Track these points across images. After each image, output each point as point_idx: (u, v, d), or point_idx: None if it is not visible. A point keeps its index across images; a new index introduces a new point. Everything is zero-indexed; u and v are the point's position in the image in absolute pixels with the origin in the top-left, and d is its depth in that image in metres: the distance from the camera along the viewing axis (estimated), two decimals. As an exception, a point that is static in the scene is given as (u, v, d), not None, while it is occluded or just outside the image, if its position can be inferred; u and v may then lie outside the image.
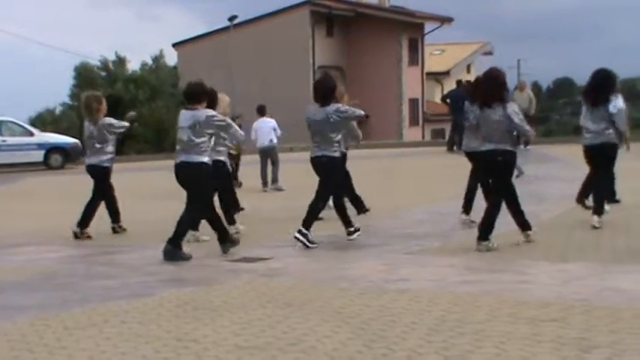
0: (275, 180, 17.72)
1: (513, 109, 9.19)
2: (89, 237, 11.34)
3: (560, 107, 78.86)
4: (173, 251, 9.29)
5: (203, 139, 9.39)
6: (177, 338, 5.84)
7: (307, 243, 9.73)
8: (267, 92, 38.95)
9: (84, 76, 45.58)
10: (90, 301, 7.24)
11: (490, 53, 59.29)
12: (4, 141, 28.41)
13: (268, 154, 17.87)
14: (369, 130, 38.43)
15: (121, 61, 46.84)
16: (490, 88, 9.26)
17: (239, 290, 7.41)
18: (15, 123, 29.68)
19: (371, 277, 7.79)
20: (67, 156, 29.16)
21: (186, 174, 9.47)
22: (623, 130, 10.50)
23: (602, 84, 10.50)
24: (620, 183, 12.99)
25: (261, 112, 18.36)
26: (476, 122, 9.70)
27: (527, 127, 9.34)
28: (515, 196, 9.41)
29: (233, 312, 6.55)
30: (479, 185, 11.09)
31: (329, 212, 10.77)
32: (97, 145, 11.49)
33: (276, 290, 7.32)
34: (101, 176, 11.63)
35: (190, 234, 10.19)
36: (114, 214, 11.76)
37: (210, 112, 9.54)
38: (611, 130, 10.47)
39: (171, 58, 51.03)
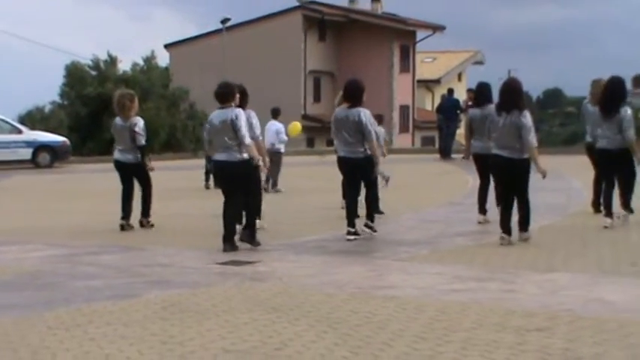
0: (274, 184, 17.76)
1: (527, 117, 9.76)
2: (152, 225, 12.05)
3: (549, 118, 79.14)
4: (250, 235, 9.90)
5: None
6: (163, 341, 5.82)
7: (372, 233, 10.68)
8: (258, 95, 38.70)
9: (74, 75, 45.41)
10: (74, 301, 7.21)
11: (481, 63, 59.39)
12: (-9, 138, 28.27)
13: (270, 157, 17.90)
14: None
15: (112, 61, 46.68)
16: (509, 95, 9.89)
17: (226, 293, 7.39)
18: (3, 120, 29.51)
19: (359, 283, 7.78)
20: (55, 155, 29.02)
21: (228, 172, 9.93)
22: (630, 139, 10.77)
23: (616, 92, 10.90)
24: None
25: (273, 114, 18.62)
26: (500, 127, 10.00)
27: (532, 138, 9.75)
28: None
29: (220, 315, 6.53)
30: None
31: (317, 214, 10.77)
32: (126, 143, 11.86)
33: (263, 294, 7.31)
34: (138, 170, 12.01)
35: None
36: (131, 209, 12.05)
37: (236, 113, 9.93)
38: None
39: (163, 59, 51.01)
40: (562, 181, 17.26)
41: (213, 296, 7.27)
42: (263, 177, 12.00)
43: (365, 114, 10.48)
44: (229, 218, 9.96)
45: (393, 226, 11.94)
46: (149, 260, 9.41)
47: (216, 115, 10.09)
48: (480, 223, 11.65)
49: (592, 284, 7.49)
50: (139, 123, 11.87)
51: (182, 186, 19.64)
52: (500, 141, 9.97)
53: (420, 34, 50.00)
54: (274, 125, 18.38)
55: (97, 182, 21.63)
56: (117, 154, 12.12)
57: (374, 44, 47.32)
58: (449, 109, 26.38)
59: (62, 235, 11.67)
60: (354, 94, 10.63)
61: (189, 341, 5.78)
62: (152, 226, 12.07)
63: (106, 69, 45.70)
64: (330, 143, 40.44)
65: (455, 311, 6.48)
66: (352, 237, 10.46)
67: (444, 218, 12.72)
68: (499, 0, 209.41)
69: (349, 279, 7.99)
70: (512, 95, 9.92)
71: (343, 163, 10.76)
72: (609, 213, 10.98)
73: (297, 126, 18.38)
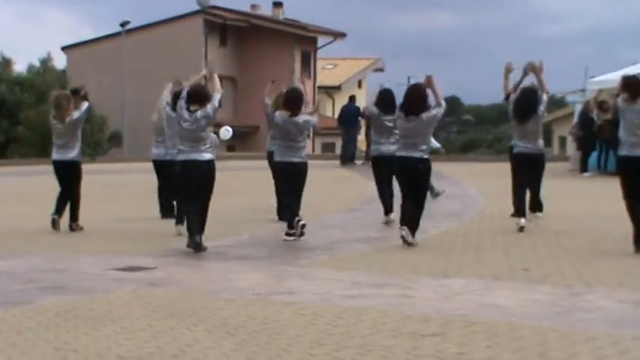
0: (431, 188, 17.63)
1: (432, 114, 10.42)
2: (82, 228, 12.02)
3: (447, 125, 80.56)
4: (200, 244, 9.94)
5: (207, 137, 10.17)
6: (57, 348, 5.72)
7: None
8: (159, 99, 38.59)
9: (-35, 76, 44.17)
10: (-34, 308, 7.01)
11: (381, 70, 60.06)
12: None
13: None
14: (259, 140, 38.45)
15: (6, 62, 45.58)
16: (414, 99, 10.42)
17: (122, 299, 7.31)
18: None
19: (257, 288, 7.79)
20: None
21: (197, 171, 10.02)
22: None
23: (530, 100, 11.58)
24: (498, 201, 13.37)
25: None
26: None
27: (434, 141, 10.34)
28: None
29: (116, 322, 6.45)
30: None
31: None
32: (65, 142, 11.94)
33: (160, 300, 7.25)
34: (71, 172, 12.05)
35: (175, 228, 11.24)
36: (74, 212, 12.09)
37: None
38: (539, 142, 11.71)
39: (60, 61, 49.99)
40: (458, 188, 17.62)
41: (110, 302, 7.18)
42: None
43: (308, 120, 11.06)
44: (195, 219, 10.03)
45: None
46: (44, 266, 9.21)
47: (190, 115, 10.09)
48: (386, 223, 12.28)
49: (485, 289, 7.66)
50: (77, 114, 11.91)
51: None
52: (404, 143, 10.41)
53: (321, 40, 50.31)
54: None
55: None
56: (55, 154, 12.11)
57: (275, 50, 47.39)
58: (350, 115, 26.65)
59: (-48, 241, 11.33)
60: (298, 104, 10.96)
61: (83, 348, 5.70)
62: (81, 229, 12.03)
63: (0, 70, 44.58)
64: (230, 149, 40.05)
65: (352, 317, 6.55)
66: (291, 238, 10.84)
67: (343, 224, 12.83)
68: (398, 8, 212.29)
69: (248, 285, 7.99)
70: (418, 99, 10.41)
71: (288, 167, 10.96)
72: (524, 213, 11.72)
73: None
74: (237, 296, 7.41)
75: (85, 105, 12.00)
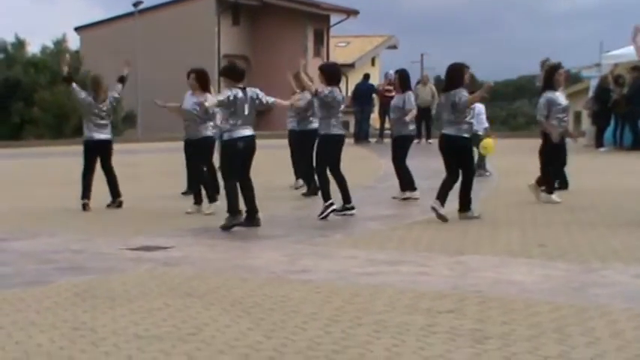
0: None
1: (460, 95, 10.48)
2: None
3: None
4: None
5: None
6: (74, 327, 5.76)
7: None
8: (172, 79, 38.51)
9: (-21, 57, 44.27)
10: (-16, 289, 7.07)
11: (395, 47, 59.84)
12: None
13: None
14: (272, 120, 38.41)
15: (20, 44, 45.68)
16: (450, 77, 10.71)
17: (139, 279, 7.34)
18: None
19: (273, 267, 7.81)
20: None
21: (253, 147, 10.43)
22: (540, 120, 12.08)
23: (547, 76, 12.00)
24: (514, 178, 13.34)
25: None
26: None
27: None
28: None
29: (133, 301, 6.49)
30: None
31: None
32: (101, 122, 12.41)
33: (176, 279, 7.28)
34: (105, 150, 12.53)
35: (211, 206, 11.66)
36: (115, 188, 12.60)
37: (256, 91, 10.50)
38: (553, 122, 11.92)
39: (74, 42, 50.10)
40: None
41: (126, 282, 7.22)
42: None
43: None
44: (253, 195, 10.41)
45: (308, 211, 12.00)
46: (60, 246, 9.26)
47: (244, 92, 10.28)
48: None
49: (501, 266, 7.66)
50: (113, 94, 12.56)
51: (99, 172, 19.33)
52: (445, 120, 10.66)
53: (334, 18, 50.17)
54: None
55: (4, 167, 21.15)
56: (89, 133, 12.40)
57: (288, 28, 47.29)
58: (364, 93, 26.62)
59: (-30, 222, 11.40)
60: (339, 78, 11.38)
61: (101, 327, 5.73)
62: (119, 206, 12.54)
63: (14, 52, 44.69)
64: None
65: (367, 294, 6.56)
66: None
67: (357, 202, 12.80)
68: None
69: (263, 263, 8.01)
70: (455, 77, 10.63)
71: (335, 139, 11.32)
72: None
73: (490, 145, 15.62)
74: (253, 275, 7.44)
75: (118, 87, 12.58)
